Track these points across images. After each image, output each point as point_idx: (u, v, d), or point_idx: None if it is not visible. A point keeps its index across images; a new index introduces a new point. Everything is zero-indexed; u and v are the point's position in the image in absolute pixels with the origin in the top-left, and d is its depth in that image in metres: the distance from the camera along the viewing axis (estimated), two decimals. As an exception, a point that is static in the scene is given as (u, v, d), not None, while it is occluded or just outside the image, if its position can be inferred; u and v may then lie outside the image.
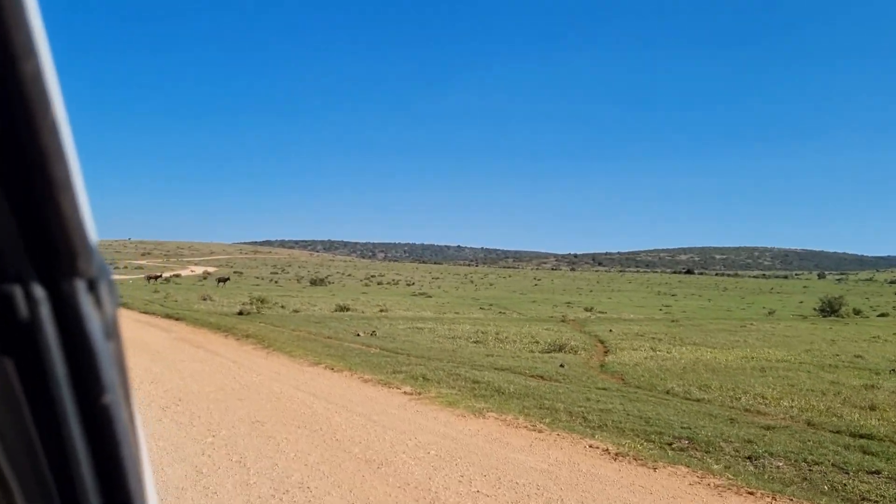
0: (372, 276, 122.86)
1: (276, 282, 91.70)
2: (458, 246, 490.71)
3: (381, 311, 34.14)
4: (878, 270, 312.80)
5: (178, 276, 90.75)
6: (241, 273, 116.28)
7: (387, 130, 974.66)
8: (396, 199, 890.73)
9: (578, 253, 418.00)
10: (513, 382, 11.61)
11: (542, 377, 12.88)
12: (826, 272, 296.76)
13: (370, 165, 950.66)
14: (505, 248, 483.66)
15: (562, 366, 14.77)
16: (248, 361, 13.72)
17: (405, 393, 10.50)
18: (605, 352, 19.30)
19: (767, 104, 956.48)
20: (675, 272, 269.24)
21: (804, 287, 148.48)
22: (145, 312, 27.16)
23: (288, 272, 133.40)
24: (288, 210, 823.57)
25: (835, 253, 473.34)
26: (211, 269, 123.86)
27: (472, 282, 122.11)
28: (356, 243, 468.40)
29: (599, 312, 44.11)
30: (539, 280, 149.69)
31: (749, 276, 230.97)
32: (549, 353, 18.08)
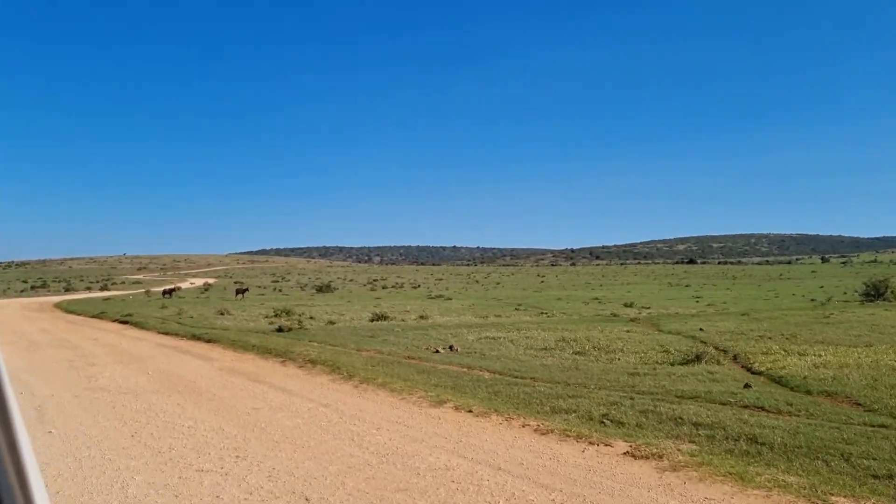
0: (374, 281, 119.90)
1: (280, 290, 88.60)
2: (454, 246, 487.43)
3: (422, 317, 30.62)
4: (877, 252, 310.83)
5: (179, 288, 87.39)
6: (242, 283, 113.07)
7: (377, 134, 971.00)
8: (389, 203, 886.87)
9: (575, 248, 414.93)
10: (746, 422, 8.12)
11: (762, 408, 9.35)
12: (826, 255, 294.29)
13: (361, 170, 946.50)
14: (501, 247, 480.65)
15: (748, 386, 11.23)
16: (343, 404, 10.29)
17: (650, 458, 6.89)
18: (739, 359, 15.69)
19: (758, 91, 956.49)
20: (677, 262, 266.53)
21: (812, 272, 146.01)
22: (165, 333, 23.80)
23: (289, 280, 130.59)
24: (281, 219, 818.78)
25: (830, 236, 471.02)
26: (211, 281, 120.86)
27: (477, 281, 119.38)
28: (351, 248, 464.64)
29: (644, 307, 40.69)
30: (543, 276, 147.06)
31: (752, 263, 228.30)
32: (686, 364, 14.58)
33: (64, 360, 16.38)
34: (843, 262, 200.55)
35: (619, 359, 15.97)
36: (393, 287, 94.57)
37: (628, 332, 23.07)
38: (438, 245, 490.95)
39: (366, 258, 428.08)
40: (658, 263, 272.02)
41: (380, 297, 61.88)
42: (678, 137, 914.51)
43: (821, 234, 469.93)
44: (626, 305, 40.84)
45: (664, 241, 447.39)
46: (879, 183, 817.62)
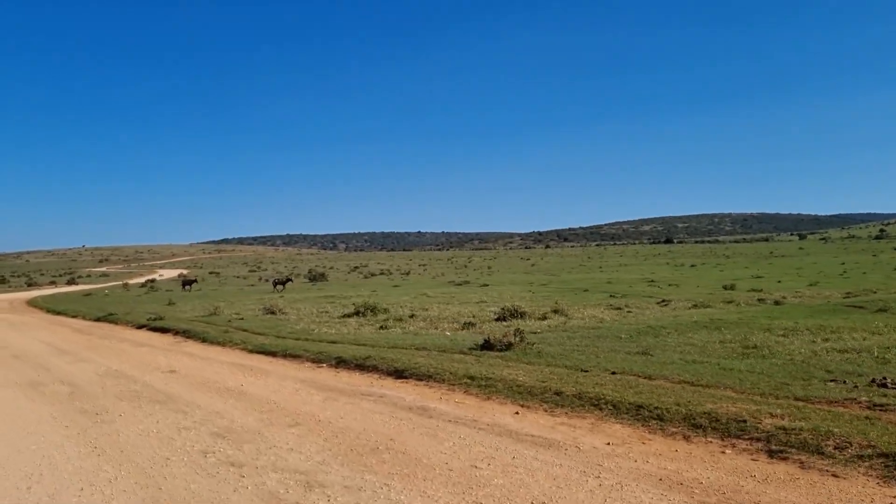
0: (356, 268, 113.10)
1: (266, 279, 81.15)
2: (419, 232, 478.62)
3: (555, 311, 23.71)
4: (842, 228, 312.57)
5: (152, 281, 79.51)
6: (219, 273, 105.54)
7: (338, 120, 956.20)
8: (352, 189, 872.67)
9: (542, 230, 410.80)
10: None
11: None
12: (793, 233, 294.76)
13: (322, 156, 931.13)
14: (466, 231, 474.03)
15: None
16: None
17: None
18: None
19: (716, 73, 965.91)
20: (654, 242, 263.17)
21: (800, 248, 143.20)
22: (260, 352, 16.75)
23: (266, 269, 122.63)
24: (243, 207, 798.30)
25: (790, 214, 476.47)
26: (184, 271, 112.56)
27: (465, 266, 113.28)
28: (316, 236, 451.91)
29: (755, 289, 34.54)
30: (527, 259, 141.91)
31: (729, 242, 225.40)
32: None
33: (194, 452, 7.73)
34: (823, 240, 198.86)
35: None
36: (381, 274, 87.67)
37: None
38: (403, 231, 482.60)
39: (331, 245, 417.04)
40: (635, 244, 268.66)
41: (398, 285, 54.73)
42: (641, 119, 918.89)
43: (780, 212, 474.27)
44: (754, 290, 34.52)
45: (630, 223, 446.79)
46: (832, 160, 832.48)
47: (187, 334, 21.31)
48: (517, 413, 8.98)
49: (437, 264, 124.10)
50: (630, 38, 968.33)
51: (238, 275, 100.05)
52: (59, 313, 34.54)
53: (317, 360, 14.58)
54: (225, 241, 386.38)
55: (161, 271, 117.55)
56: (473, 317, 23.00)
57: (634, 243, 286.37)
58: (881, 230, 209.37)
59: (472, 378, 10.96)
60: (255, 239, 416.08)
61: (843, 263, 69.51)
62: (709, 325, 18.48)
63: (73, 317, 32.16)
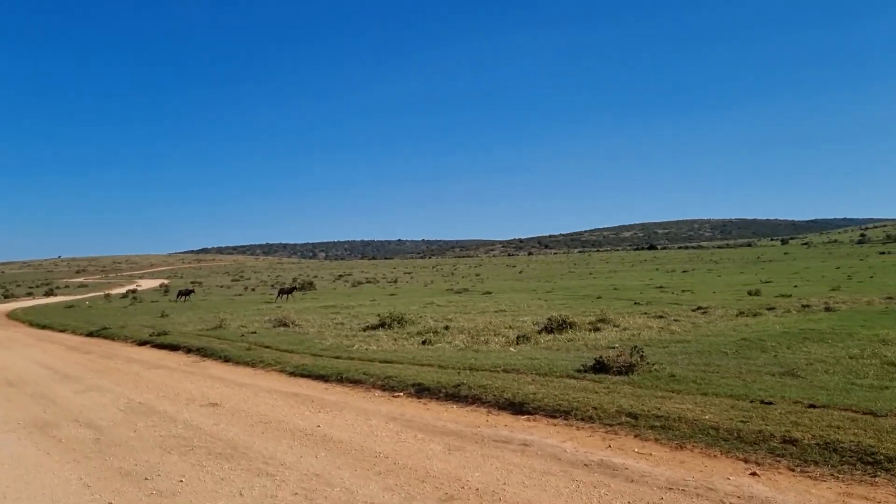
0: (340, 276, 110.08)
1: (252, 289, 78.03)
2: (399, 240, 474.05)
3: (601, 321, 21.12)
4: (821, 233, 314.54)
5: (134, 291, 76.25)
6: (201, 283, 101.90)
7: (318, 128, 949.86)
8: (331, 198, 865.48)
9: (523, 237, 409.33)
10: None
11: None
12: (773, 238, 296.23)
13: (301, 166, 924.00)
14: (447, 239, 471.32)
15: None
16: None
17: None
18: None
19: (691, 74, 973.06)
20: (637, 248, 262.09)
21: (785, 253, 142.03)
22: (303, 374, 14.01)
23: (250, 278, 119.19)
24: (221, 217, 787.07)
25: (768, 220, 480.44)
26: (165, 281, 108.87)
27: (451, 273, 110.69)
28: (295, 245, 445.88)
29: (783, 296, 32.18)
30: (512, 266, 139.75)
31: (713, 248, 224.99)
32: None
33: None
34: (805, 245, 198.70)
35: None
36: (367, 282, 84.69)
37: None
38: (383, 239, 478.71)
39: (311, 254, 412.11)
40: (617, 250, 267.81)
41: (394, 293, 51.78)
42: (620, 126, 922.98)
43: (758, 217, 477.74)
44: (784, 296, 32.10)
45: (610, 229, 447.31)
46: (808, 166, 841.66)
47: (203, 353, 18.50)
48: (754, 474, 6.37)
49: (423, 272, 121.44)
50: (605, 45, 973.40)
51: (221, 285, 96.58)
52: (44, 327, 31.41)
53: (387, 386, 11.88)
54: (204, 250, 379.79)
55: (140, 282, 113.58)
56: (509, 328, 20.50)
57: (617, 249, 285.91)
58: (861, 235, 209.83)
59: (633, 416, 8.34)
60: (234, 248, 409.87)
61: (839, 268, 67.40)
62: (810, 336, 16.08)
63: (62, 331, 29.08)
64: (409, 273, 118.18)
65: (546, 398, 9.59)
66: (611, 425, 8.24)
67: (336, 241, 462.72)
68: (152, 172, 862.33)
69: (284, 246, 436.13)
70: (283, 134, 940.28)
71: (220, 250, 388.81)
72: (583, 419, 8.62)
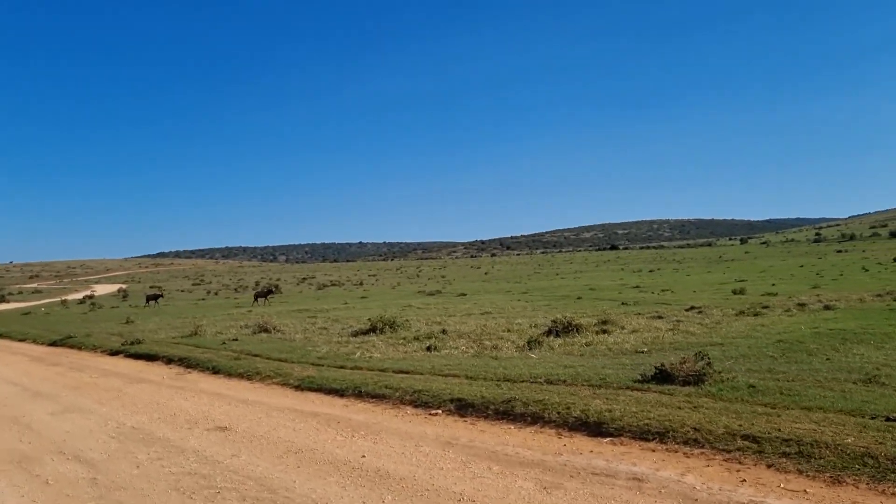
0: (304, 280, 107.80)
1: (214, 293, 75.63)
2: (360, 242, 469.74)
3: (604, 324, 19.80)
4: (777, 232, 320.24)
5: (91, 296, 73.29)
6: (160, 288, 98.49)
7: (275, 130, 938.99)
8: (290, 201, 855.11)
9: (485, 239, 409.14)
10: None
11: None
12: (731, 238, 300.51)
13: (258, 168, 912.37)
14: (408, 241, 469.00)
15: None
16: None
17: None
18: None
19: (647, 82, 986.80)
20: (599, 249, 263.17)
21: (746, 252, 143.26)
22: (311, 388, 12.41)
23: (210, 282, 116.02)
24: (179, 220, 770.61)
25: (725, 220, 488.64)
26: (123, 286, 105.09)
27: (416, 275, 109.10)
28: (255, 248, 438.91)
29: (770, 294, 31.28)
30: (477, 267, 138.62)
31: (674, 248, 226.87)
32: None
33: None
34: (764, 244, 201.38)
35: None
36: (332, 285, 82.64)
37: None
38: (344, 241, 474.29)
39: (271, 257, 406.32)
40: (580, 251, 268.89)
41: (365, 296, 49.83)
42: (578, 127, 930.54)
43: (716, 218, 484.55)
44: (770, 294, 31.18)
45: (571, 230, 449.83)
46: (761, 166, 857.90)
47: (185, 363, 16.73)
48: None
49: (387, 274, 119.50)
50: (561, 51, 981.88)
51: (182, 289, 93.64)
52: (1, 336, 29.08)
53: (418, 402, 10.36)
54: (161, 254, 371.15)
55: (96, 287, 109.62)
56: (508, 331, 19.34)
57: (579, 250, 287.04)
58: (817, 234, 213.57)
59: (752, 440, 6.95)
60: (192, 252, 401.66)
61: (802, 266, 67.45)
62: (847, 337, 15.01)
63: (21, 340, 26.88)
64: (373, 275, 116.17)
65: (625, 416, 8.19)
66: (727, 451, 6.85)
67: (297, 244, 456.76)
68: (107, 175, 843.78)
69: (244, 249, 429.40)
70: (242, 136, 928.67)
71: (177, 254, 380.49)
72: (685, 443, 7.22)
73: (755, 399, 8.81)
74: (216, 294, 73.30)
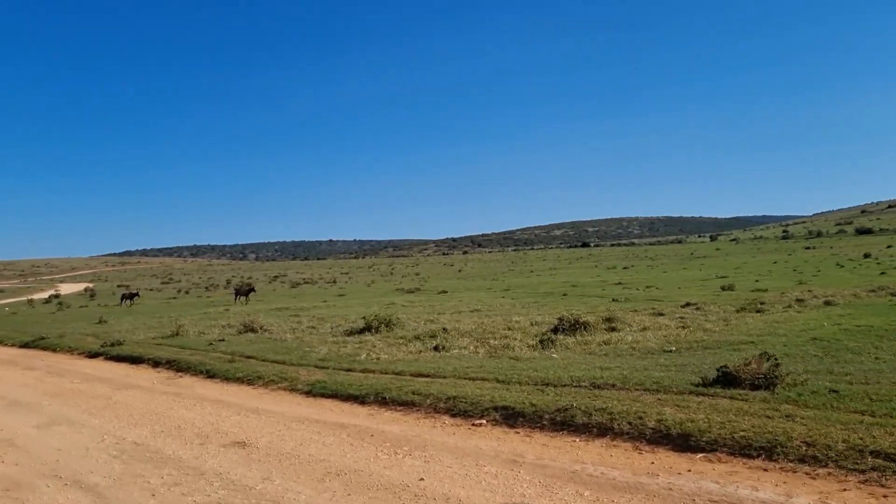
0: (275, 278, 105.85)
1: (185, 291, 73.78)
2: (330, 240, 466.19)
3: (608, 321, 18.83)
4: (745, 229, 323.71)
5: (57, 295, 71.05)
6: (128, 287, 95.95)
7: (243, 127, 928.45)
8: (259, 199, 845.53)
9: (456, 237, 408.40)
10: None
11: None
12: (701, 235, 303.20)
13: (226, 166, 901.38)
14: (379, 238, 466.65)
15: None
16: None
17: None
18: None
19: (619, 78, 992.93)
20: (571, 246, 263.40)
21: (717, 249, 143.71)
22: (343, 398, 11.25)
23: (180, 280, 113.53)
24: (145, 218, 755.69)
25: (693, 217, 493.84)
26: (90, 285, 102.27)
27: (391, 273, 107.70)
28: (224, 246, 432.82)
29: (759, 290, 30.62)
30: (450, 264, 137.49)
31: (645, 245, 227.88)
32: None
33: None
34: (733, 241, 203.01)
35: None
36: (305, 283, 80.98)
37: None
38: (314, 239, 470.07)
39: (240, 255, 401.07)
40: (551, 248, 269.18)
41: (343, 294, 48.41)
42: (547, 125, 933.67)
43: (683, 215, 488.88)
44: (759, 290, 30.43)
45: (541, 228, 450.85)
46: (731, 168, 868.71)
47: (175, 366, 15.42)
48: None
49: (360, 272, 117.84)
50: (524, 47, 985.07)
51: (151, 288, 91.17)
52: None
53: (456, 411, 9.24)
54: (128, 253, 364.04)
55: (61, 286, 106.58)
56: (509, 329, 18.49)
57: (550, 247, 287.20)
58: (784, 231, 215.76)
59: (886, 457, 5.95)
60: (160, 251, 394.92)
61: (776, 262, 67.02)
62: (881, 334, 14.19)
63: (-4, 343, 25.32)
64: (346, 273, 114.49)
65: (712, 427, 7.15)
66: (859, 471, 5.85)
67: (266, 241, 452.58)
68: (71, 173, 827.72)
69: (213, 248, 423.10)
70: (210, 134, 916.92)
71: (144, 253, 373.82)
72: (800, 460, 6.20)
73: (846, 406, 7.85)
74: (187, 293, 71.40)
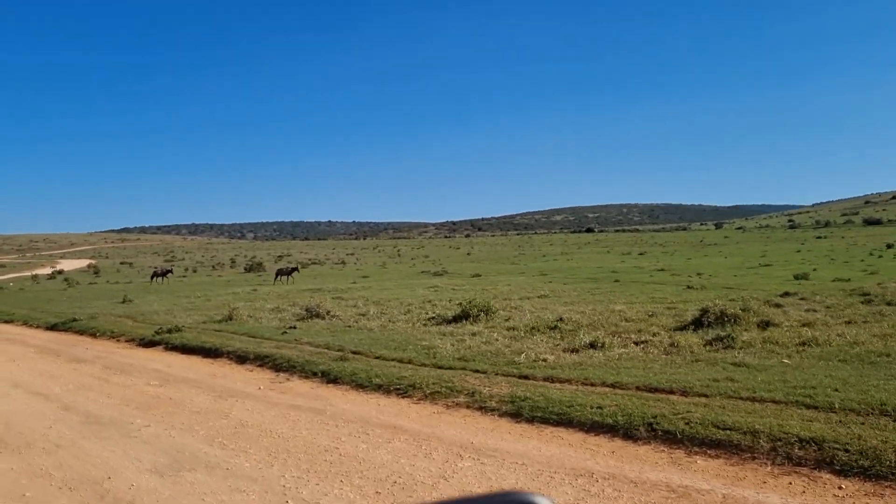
0: (280, 257, 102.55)
1: (193, 270, 70.92)
2: (329, 221, 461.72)
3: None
4: (746, 218, 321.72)
5: (60, 272, 68.15)
6: (131, 264, 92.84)
7: (243, 106, 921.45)
8: (258, 178, 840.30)
9: (455, 220, 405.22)
10: None
11: None
12: (703, 223, 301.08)
13: (226, 144, 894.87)
14: (378, 221, 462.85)
15: None
16: None
17: None
18: None
19: (618, 65, 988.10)
20: (574, 231, 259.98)
21: (725, 237, 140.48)
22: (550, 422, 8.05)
23: (183, 259, 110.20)
24: (144, 195, 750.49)
25: (693, 205, 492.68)
26: (93, 261, 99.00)
27: (397, 255, 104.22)
28: (223, 225, 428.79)
29: (841, 280, 27.18)
30: (456, 247, 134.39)
31: (648, 231, 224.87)
32: None
33: None
34: (739, 228, 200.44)
35: None
36: (313, 263, 77.40)
37: None
38: (313, 220, 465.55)
39: (239, 234, 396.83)
40: (554, 233, 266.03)
41: (367, 275, 45.03)
42: (549, 110, 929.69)
43: (684, 203, 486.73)
44: (839, 280, 27.19)
45: (542, 213, 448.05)
46: (726, 153, 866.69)
47: (272, 364, 11.95)
48: None
49: (365, 253, 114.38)
50: (532, 30, 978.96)
51: (154, 265, 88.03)
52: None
53: (768, 452, 5.98)
54: (126, 229, 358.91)
55: (61, 262, 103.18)
56: (625, 320, 15.16)
57: (553, 232, 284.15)
58: (790, 220, 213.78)
59: None
60: (158, 228, 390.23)
61: (799, 251, 62.99)
62: None
63: (8, 321, 21.94)
64: (351, 254, 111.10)
65: None
66: None
67: (265, 221, 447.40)
68: (68, 147, 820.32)
69: (211, 226, 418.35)
70: (208, 112, 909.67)
71: (143, 230, 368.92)
72: None
73: None
74: (195, 271, 68.47)
